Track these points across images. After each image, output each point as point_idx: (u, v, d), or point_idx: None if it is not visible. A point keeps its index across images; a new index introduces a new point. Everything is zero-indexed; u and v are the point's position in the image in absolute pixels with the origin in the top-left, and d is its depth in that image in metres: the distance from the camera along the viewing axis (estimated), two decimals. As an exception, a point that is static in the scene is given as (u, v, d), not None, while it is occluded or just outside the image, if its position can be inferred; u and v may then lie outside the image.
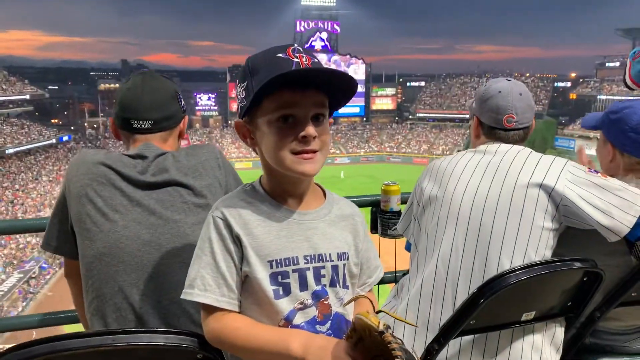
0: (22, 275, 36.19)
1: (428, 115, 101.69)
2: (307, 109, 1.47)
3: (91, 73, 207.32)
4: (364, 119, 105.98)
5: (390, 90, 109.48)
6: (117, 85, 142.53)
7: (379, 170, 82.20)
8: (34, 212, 48.82)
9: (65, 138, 72.96)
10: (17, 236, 42.67)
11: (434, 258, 2.12)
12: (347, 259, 1.65)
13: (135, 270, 1.85)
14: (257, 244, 1.51)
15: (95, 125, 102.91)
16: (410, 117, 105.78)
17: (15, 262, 38.14)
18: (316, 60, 1.51)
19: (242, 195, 1.63)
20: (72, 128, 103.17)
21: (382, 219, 2.99)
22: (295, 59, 1.46)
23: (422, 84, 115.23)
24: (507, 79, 2.32)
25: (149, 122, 2.02)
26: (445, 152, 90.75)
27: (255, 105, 1.46)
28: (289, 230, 1.55)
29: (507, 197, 2.04)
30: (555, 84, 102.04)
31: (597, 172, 2.14)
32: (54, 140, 69.63)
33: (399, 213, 2.93)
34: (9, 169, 57.15)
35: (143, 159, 1.96)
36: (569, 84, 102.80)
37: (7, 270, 36.56)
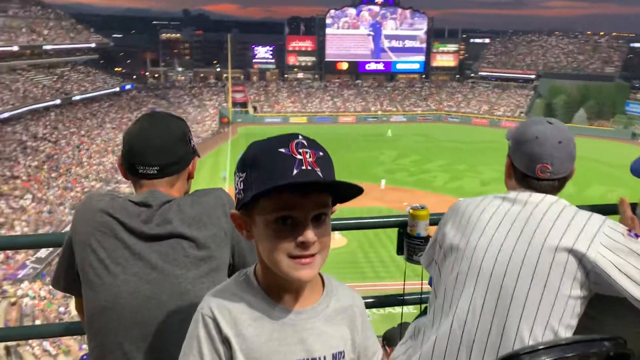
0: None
1: (491, 74, 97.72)
2: (307, 211, 1.36)
3: (153, 22, 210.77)
4: (423, 75, 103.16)
5: (452, 47, 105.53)
6: (178, 35, 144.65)
7: (435, 130, 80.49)
8: (98, 157, 51.16)
9: (127, 87, 75.26)
10: (83, 179, 45.04)
11: (450, 316, 2.01)
12: (343, 357, 1.56)
13: (135, 327, 1.84)
14: (247, 347, 1.43)
15: (156, 75, 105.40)
16: (472, 75, 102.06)
17: (81, 203, 40.32)
18: (321, 154, 1.40)
19: (234, 288, 1.51)
20: (134, 77, 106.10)
21: (409, 243, 2.86)
22: (299, 156, 1.35)
23: (487, 40, 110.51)
24: (548, 121, 2.08)
25: (155, 167, 1.97)
26: (506, 113, 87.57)
27: (252, 202, 1.38)
28: (282, 332, 1.46)
29: (532, 260, 1.87)
30: (631, 44, 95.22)
31: (638, 235, 1.92)
32: (117, 89, 72.01)
33: (426, 239, 2.78)
34: (75, 115, 59.77)
35: (148, 207, 1.92)
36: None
37: (73, 212, 38.74)
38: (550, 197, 2.03)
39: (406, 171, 56.96)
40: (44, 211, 37.61)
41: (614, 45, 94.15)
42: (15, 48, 58.16)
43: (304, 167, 1.34)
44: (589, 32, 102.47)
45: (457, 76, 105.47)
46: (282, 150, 1.37)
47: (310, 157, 1.38)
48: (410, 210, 2.87)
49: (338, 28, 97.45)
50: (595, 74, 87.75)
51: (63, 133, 53.40)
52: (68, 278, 2.01)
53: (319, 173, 1.36)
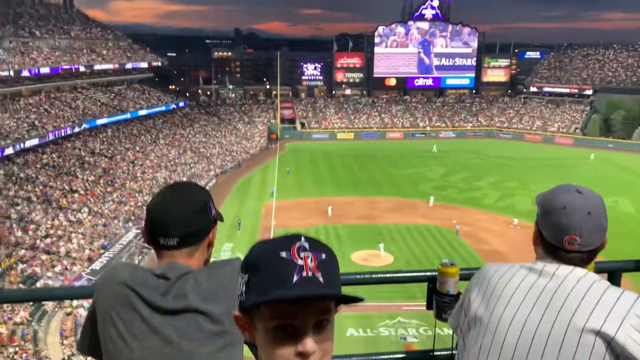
0: (139, 232, 39.47)
1: (544, 89, 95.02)
2: (308, 319, 1.33)
3: (206, 41, 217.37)
4: (474, 91, 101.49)
5: (503, 62, 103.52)
6: (229, 53, 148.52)
7: (485, 146, 78.80)
8: (151, 172, 52.77)
9: (180, 104, 77.64)
10: (137, 194, 46.53)
11: None
12: None
13: None
14: None
15: (208, 92, 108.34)
16: (524, 90, 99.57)
17: (133, 218, 41.62)
18: (324, 257, 1.37)
19: None
20: (187, 94, 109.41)
21: (438, 300, 2.74)
22: (300, 261, 1.32)
23: (539, 55, 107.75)
24: (577, 191, 1.97)
25: (175, 239, 2.02)
26: (561, 129, 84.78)
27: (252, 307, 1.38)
28: None
29: (557, 339, 1.77)
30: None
31: None
32: (171, 106, 74.38)
33: (456, 297, 2.67)
34: (130, 131, 62.04)
35: (166, 279, 1.98)
36: None
37: (127, 225, 40.00)
38: (578, 271, 1.91)
39: (455, 188, 55.86)
40: (99, 224, 39.03)
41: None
42: (77, 67, 61.20)
43: (304, 274, 1.31)
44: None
45: (509, 91, 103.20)
46: (284, 254, 1.33)
47: (311, 261, 1.34)
48: (440, 267, 2.78)
49: (386, 47, 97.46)
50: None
51: (118, 149, 55.53)
52: (91, 343, 2.09)
53: (320, 279, 1.33)
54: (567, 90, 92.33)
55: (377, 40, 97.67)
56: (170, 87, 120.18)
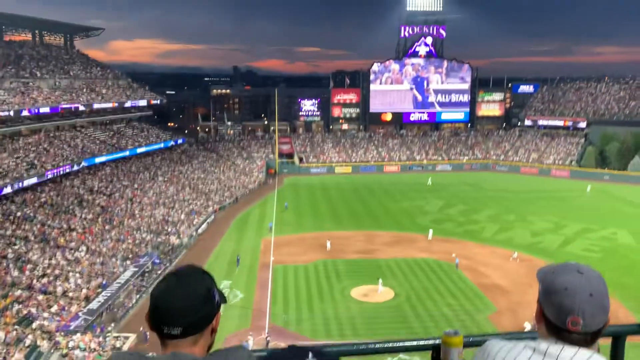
0: (136, 269, 39.14)
1: (539, 122, 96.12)
2: None
3: (205, 79, 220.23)
4: (469, 125, 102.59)
5: (497, 96, 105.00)
6: (228, 90, 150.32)
7: (482, 179, 79.07)
8: (149, 209, 52.69)
9: (179, 141, 78.18)
10: (135, 232, 46.33)
11: None
12: None
13: None
14: None
15: (207, 129, 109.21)
16: (519, 123, 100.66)
17: (131, 256, 41.34)
18: None
19: None
20: (185, 131, 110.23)
21: None
22: None
23: (532, 88, 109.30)
24: (578, 271, 1.98)
25: (179, 328, 2.03)
26: (557, 161, 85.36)
27: None
28: None
29: None
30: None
31: None
32: (170, 143, 74.87)
33: None
34: (129, 168, 62.25)
35: None
36: None
37: (125, 263, 39.70)
38: (583, 353, 1.92)
39: (454, 221, 55.81)
40: (97, 263, 38.72)
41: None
42: (76, 106, 61.86)
43: None
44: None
45: (504, 124, 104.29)
46: None
47: None
48: (444, 337, 2.77)
49: (382, 83, 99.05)
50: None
51: (117, 186, 55.59)
52: None
53: None
54: (562, 123, 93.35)
55: (372, 77, 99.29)
56: (169, 124, 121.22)
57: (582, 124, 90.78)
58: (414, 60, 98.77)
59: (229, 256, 44.95)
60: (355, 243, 47.95)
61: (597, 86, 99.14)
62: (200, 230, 51.91)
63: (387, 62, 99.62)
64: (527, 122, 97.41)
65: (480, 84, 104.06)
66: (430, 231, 49.79)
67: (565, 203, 63.70)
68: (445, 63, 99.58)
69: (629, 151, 79.90)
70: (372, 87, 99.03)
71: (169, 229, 49.11)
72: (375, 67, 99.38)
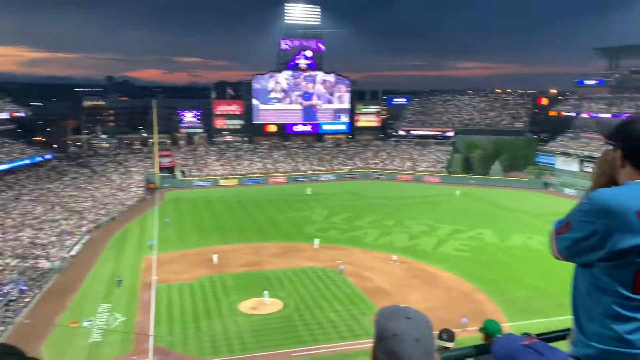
0: (0, 299, 35.37)
1: (411, 132, 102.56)
2: None
3: (76, 89, 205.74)
4: (349, 135, 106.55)
5: (374, 108, 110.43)
6: (102, 102, 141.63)
7: (363, 187, 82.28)
8: (13, 232, 47.96)
9: (47, 156, 72.10)
10: (-3, 256, 41.87)
11: None
12: None
13: None
14: None
15: (78, 143, 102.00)
16: (394, 134, 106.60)
17: (-6, 283, 37.31)
18: None
19: None
20: (55, 146, 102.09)
21: None
22: None
23: (405, 100, 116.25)
24: (406, 317, 2.11)
25: None
26: (428, 168, 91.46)
27: None
28: None
29: None
30: (536, 101, 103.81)
31: None
32: (37, 159, 68.79)
33: None
34: (-12, 187, 56.28)
35: None
36: (549, 102, 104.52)
37: (-14, 291, 35.71)
38: None
39: (338, 229, 57.45)
40: (-49, 293, 34.42)
41: (520, 102, 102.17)
42: None
43: None
44: (498, 90, 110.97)
45: (381, 135, 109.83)
46: None
47: None
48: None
49: (264, 94, 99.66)
50: (506, 129, 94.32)
51: (-26, 207, 49.97)
52: None
53: None
54: (432, 133, 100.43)
55: (255, 87, 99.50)
56: (35, 138, 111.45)
57: (450, 133, 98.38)
58: (295, 72, 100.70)
59: (107, 278, 42.27)
60: (242, 256, 47.49)
61: (462, 98, 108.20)
62: (73, 252, 48.25)
63: (269, 74, 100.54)
64: (401, 132, 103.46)
65: (358, 97, 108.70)
66: (316, 240, 50.81)
67: (438, 207, 68.41)
68: (325, 76, 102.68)
69: (490, 157, 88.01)
70: (255, 97, 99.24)
71: (38, 253, 45.07)
72: (258, 78, 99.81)
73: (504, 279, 41.58)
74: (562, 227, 2.30)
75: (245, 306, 36.48)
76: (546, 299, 36.49)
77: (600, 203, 2.12)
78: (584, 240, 2.16)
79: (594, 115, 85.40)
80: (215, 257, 45.61)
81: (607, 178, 2.38)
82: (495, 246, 50.89)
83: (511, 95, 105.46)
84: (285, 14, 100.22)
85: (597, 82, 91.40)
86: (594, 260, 2.13)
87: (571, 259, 2.27)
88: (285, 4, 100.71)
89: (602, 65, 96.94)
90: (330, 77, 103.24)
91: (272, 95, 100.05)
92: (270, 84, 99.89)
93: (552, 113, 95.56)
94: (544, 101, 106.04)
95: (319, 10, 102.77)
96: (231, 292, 38.99)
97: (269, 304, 36.46)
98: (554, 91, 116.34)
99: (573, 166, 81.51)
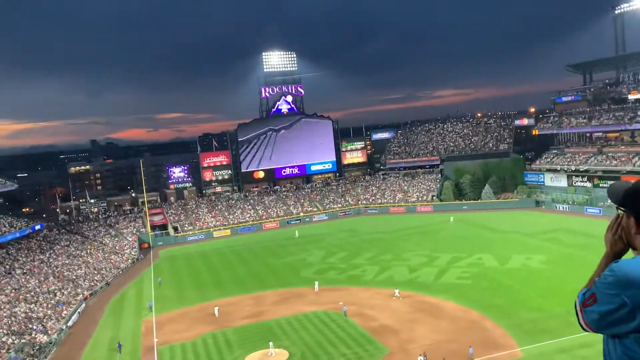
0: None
1: (399, 164, 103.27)
2: None
3: (61, 156, 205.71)
4: (337, 174, 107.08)
5: (359, 144, 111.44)
6: (87, 166, 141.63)
7: (357, 224, 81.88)
8: (8, 308, 46.90)
9: (37, 227, 71.29)
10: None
11: None
12: None
13: None
14: None
15: (68, 210, 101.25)
16: (381, 167, 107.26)
17: (-10, 363, 36.19)
18: None
19: None
20: (44, 215, 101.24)
21: None
22: None
23: (388, 134, 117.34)
24: None
25: None
26: (420, 198, 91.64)
27: None
28: None
29: None
30: (517, 122, 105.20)
31: None
32: (26, 231, 67.93)
33: None
34: (-21, 264, 55.31)
35: None
36: (530, 122, 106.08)
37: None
38: None
39: (336, 269, 56.88)
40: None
41: (502, 124, 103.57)
42: None
43: None
44: (479, 115, 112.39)
45: (369, 170, 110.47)
46: None
47: None
48: None
49: (250, 142, 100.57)
50: (492, 152, 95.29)
51: (-35, 287, 48.90)
52: None
53: None
54: (419, 163, 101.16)
55: (240, 137, 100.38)
56: (23, 210, 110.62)
57: (437, 162, 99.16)
58: (278, 118, 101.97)
59: (107, 345, 41.24)
60: (243, 308, 46.67)
61: (444, 126, 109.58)
62: (70, 323, 47.15)
63: (253, 122, 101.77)
64: (389, 165, 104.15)
65: (342, 135, 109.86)
66: (316, 283, 50.19)
67: (434, 236, 68.23)
68: (307, 118, 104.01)
69: (480, 181, 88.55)
70: (241, 146, 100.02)
71: (34, 327, 43.99)
72: (242, 128, 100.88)
73: (508, 303, 41.17)
74: (588, 300, 2.23)
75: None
76: (552, 319, 36.14)
77: (623, 275, 2.08)
78: (612, 313, 2.09)
79: (575, 130, 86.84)
80: (216, 310, 44.85)
81: (623, 243, 2.36)
82: (496, 270, 50.59)
83: (492, 118, 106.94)
84: (264, 62, 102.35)
85: (574, 97, 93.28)
86: (625, 332, 2.07)
87: (601, 331, 2.20)
88: (263, 53, 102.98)
89: (576, 80, 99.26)
90: (312, 120, 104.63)
91: (258, 142, 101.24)
92: (255, 132, 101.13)
93: (535, 132, 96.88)
94: (525, 121, 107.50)
95: (295, 56, 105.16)
96: (235, 347, 38.12)
97: (274, 356, 35.61)
98: (532, 110, 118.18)
99: (562, 182, 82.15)
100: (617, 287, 2.06)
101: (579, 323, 2.28)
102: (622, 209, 2.35)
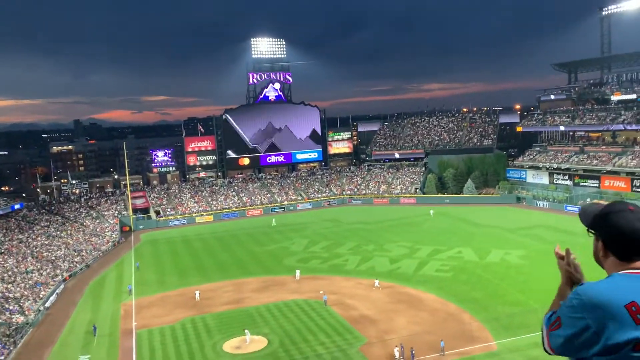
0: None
1: (384, 156, 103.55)
2: None
3: (43, 135, 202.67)
4: (323, 163, 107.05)
5: (345, 134, 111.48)
6: (70, 147, 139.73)
7: (341, 214, 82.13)
8: (-16, 286, 46.36)
9: (17, 206, 70.30)
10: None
11: None
12: None
13: None
14: None
15: (48, 190, 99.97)
16: (367, 158, 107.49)
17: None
18: None
19: None
20: (24, 195, 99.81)
21: None
22: None
23: (375, 125, 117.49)
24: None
25: None
26: (403, 190, 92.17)
27: None
28: None
29: None
30: (501, 119, 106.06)
31: None
32: (5, 210, 66.99)
33: None
34: (-44, 242, 54.49)
35: None
36: (515, 118, 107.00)
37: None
38: None
39: (319, 258, 57.09)
40: None
41: (487, 119, 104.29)
42: None
43: None
44: (464, 109, 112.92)
45: (354, 160, 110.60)
46: None
47: None
48: None
49: (236, 128, 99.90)
50: (475, 147, 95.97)
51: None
52: None
53: None
54: (403, 155, 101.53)
55: (226, 122, 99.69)
56: (3, 188, 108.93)
57: (421, 155, 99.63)
58: (265, 105, 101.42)
59: (85, 327, 41.01)
60: (223, 294, 46.67)
61: (430, 120, 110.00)
62: (48, 304, 46.79)
63: (240, 108, 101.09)
64: (374, 157, 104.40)
65: (329, 124, 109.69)
66: (298, 271, 50.35)
67: (416, 228, 68.76)
68: (294, 106, 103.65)
69: (463, 176, 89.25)
70: (226, 131, 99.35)
71: (11, 307, 43.56)
72: (228, 113, 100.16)
73: (486, 297, 41.75)
74: (553, 324, 2.26)
75: (230, 346, 35.72)
76: (529, 314, 36.72)
77: (588, 298, 2.10)
78: (576, 336, 2.10)
79: (558, 128, 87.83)
80: (197, 294, 44.94)
81: (572, 273, 2.46)
82: (475, 264, 51.17)
83: (477, 113, 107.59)
84: (253, 48, 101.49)
85: (559, 96, 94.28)
86: (589, 355, 2.08)
87: (566, 354, 2.22)
88: (252, 39, 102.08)
89: (561, 79, 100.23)
90: (300, 107, 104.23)
91: (243, 127, 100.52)
92: (241, 118, 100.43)
93: (519, 129, 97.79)
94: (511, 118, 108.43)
95: (284, 43, 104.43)
96: (214, 333, 38.18)
97: (252, 342, 35.72)
98: (518, 107, 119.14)
99: (543, 179, 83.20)
100: (582, 311, 2.09)
101: (544, 347, 2.31)
102: (592, 231, 2.39)
